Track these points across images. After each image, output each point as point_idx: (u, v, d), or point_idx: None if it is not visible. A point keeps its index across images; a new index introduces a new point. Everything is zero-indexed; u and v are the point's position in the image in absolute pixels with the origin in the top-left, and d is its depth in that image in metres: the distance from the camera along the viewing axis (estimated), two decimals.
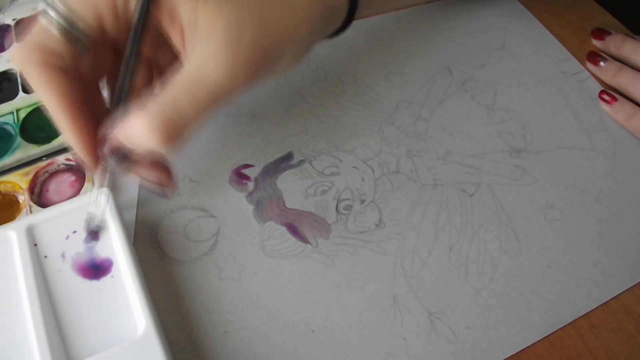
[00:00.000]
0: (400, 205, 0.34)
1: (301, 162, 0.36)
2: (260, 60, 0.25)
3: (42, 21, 0.24)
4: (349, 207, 0.34)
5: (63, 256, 0.29)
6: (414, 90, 0.40)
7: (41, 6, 0.24)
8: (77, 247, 0.30)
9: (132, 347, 0.26)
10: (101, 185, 0.28)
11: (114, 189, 0.34)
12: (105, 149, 0.26)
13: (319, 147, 0.37)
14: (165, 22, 0.26)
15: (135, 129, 0.23)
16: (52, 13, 0.24)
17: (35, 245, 0.30)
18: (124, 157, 0.26)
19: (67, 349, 0.26)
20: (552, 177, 0.35)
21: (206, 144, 0.37)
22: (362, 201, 0.34)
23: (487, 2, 0.46)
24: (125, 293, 0.28)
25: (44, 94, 0.25)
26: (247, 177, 0.35)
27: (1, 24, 0.44)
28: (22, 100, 0.38)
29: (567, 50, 0.42)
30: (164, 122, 0.23)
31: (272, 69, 0.27)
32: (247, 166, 0.35)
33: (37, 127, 0.37)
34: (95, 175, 0.28)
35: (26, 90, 0.39)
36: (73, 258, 0.29)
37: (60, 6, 0.24)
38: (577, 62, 0.41)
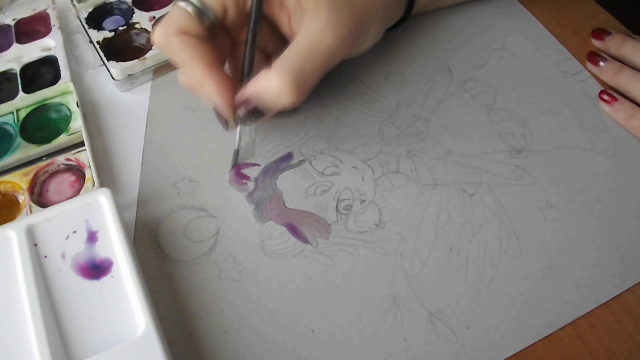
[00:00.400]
0: (400, 205, 0.34)
1: (301, 162, 0.36)
2: (355, 35, 0.32)
3: (179, 5, 0.30)
4: (349, 207, 0.34)
5: (63, 256, 0.29)
6: (414, 90, 0.40)
7: None
8: (77, 247, 0.30)
9: (132, 347, 0.26)
10: (240, 136, 0.34)
11: (114, 189, 0.34)
12: (242, 107, 0.31)
13: (319, 147, 0.37)
14: (276, 11, 0.33)
15: (272, 88, 0.29)
16: (192, 0, 0.30)
17: (35, 245, 0.30)
18: (254, 110, 0.31)
19: (67, 349, 0.26)
20: (552, 177, 0.35)
21: (206, 144, 0.37)
22: (362, 201, 0.34)
23: (487, 2, 0.46)
24: (125, 293, 0.28)
25: (187, 56, 0.30)
26: (247, 177, 0.35)
27: (1, 24, 0.44)
28: (22, 100, 0.38)
29: (567, 50, 0.42)
30: (295, 81, 0.29)
31: (361, 44, 0.34)
32: (252, 165, 0.36)
33: (37, 127, 0.37)
34: (230, 127, 0.33)
35: (26, 90, 0.39)
36: (73, 258, 0.29)
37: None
38: (577, 62, 0.41)
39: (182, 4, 0.31)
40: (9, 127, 0.37)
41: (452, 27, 0.44)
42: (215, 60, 0.31)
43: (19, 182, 0.34)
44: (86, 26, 0.42)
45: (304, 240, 0.33)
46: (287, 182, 0.35)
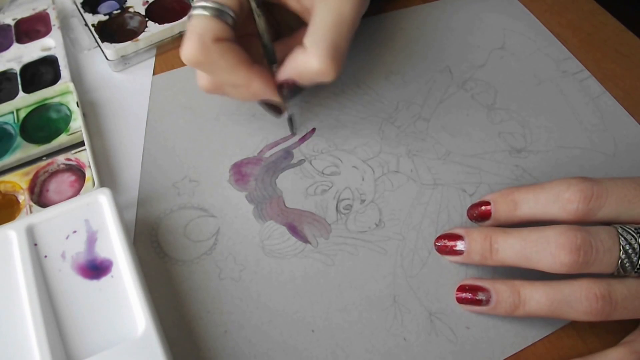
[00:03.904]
0: (400, 205, 0.34)
1: (301, 161, 0.36)
2: (364, 2, 0.33)
3: (197, 13, 0.30)
4: (349, 207, 0.34)
5: (63, 256, 0.29)
6: (414, 90, 0.40)
7: (194, 4, 0.31)
8: (77, 247, 0.30)
9: (132, 346, 0.26)
10: (285, 111, 0.35)
11: (114, 188, 0.34)
12: (285, 88, 0.32)
13: (319, 146, 0.37)
14: None
15: (313, 66, 0.30)
16: (207, 4, 0.30)
17: (35, 245, 0.30)
18: (295, 88, 0.32)
19: (67, 349, 0.26)
20: (552, 177, 0.35)
21: (206, 144, 0.37)
22: (362, 201, 0.34)
23: (487, 2, 0.45)
24: (125, 293, 0.28)
25: (230, 62, 0.30)
26: (247, 176, 0.35)
27: (1, 23, 0.44)
28: (22, 100, 0.38)
29: (567, 49, 0.42)
30: (332, 56, 0.30)
31: (366, 6, 0.35)
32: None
33: (37, 127, 0.37)
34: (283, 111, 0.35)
35: (26, 90, 0.39)
36: (73, 258, 0.29)
37: (209, 2, 0.30)
38: (578, 62, 0.41)
39: (199, 11, 0.30)
40: (9, 127, 0.37)
41: (452, 27, 0.44)
42: (250, 58, 0.31)
43: (19, 182, 0.34)
44: (82, 10, 0.44)
45: (304, 239, 0.33)
46: (287, 182, 0.35)
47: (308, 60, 0.30)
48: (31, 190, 0.34)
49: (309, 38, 0.31)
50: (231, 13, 0.31)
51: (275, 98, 0.33)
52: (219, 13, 0.30)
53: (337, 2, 0.31)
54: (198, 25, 0.30)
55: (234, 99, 0.34)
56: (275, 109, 0.35)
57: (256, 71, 0.31)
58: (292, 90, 0.33)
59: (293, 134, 0.37)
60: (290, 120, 0.37)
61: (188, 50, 0.30)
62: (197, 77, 0.34)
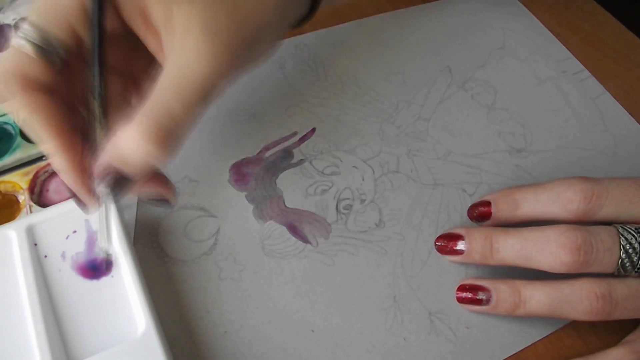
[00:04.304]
0: (400, 205, 0.34)
1: (301, 161, 0.36)
2: (240, 50, 0.24)
3: (15, 43, 0.23)
4: (349, 207, 0.34)
5: (63, 256, 0.29)
6: (414, 90, 0.40)
7: (15, 30, 0.23)
8: (77, 247, 0.30)
9: (132, 346, 0.26)
10: (102, 217, 0.27)
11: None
12: (97, 176, 0.23)
13: (319, 146, 0.37)
14: (138, 26, 0.25)
15: (127, 143, 0.22)
16: (24, 34, 0.23)
17: (35, 245, 0.30)
18: (119, 180, 0.23)
19: (67, 349, 0.26)
20: (552, 177, 0.35)
21: (206, 144, 0.37)
22: (362, 201, 0.34)
23: (487, 2, 0.46)
24: (125, 293, 0.28)
25: (32, 119, 0.24)
26: (247, 176, 0.35)
27: (1, 24, 0.44)
28: None
29: (567, 50, 0.42)
30: (156, 129, 0.22)
31: (252, 58, 0.27)
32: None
33: None
34: (92, 210, 0.26)
35: None
36: (73, 258, 0.29)
37: (29, 27, 0.23)
38: (577, 62, 0.41)
39: (21, 41, 0.23)
40: (9, 127, 0.37)
41: (452, 27, 0.44)
42: (64, 124, 0.24)
43: (19, 181, 0.34)
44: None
45: (304, 239, 0.33)
46: (287, 182, 0.35)
47: (128, 138, 0.22)
48: (31, 190, 0.34)
49: (140, 108, 0.23)
50: (60, 50, 0.24)
51: (76, 187, 0.25)
52: (42, 51, 0.23)
53: (192, 56, 0.23)
54: (11, 61, 0.23)
55: None
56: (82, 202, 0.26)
57: (66, 145, 0.24)
58: (112, 183, 0.23)
59: (105, 265, 0.29)
60: (106, 262, 0.29)
61: None
62: None
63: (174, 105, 0.22)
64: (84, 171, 0.24)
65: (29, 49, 0.23)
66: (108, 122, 0.24)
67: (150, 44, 0.26)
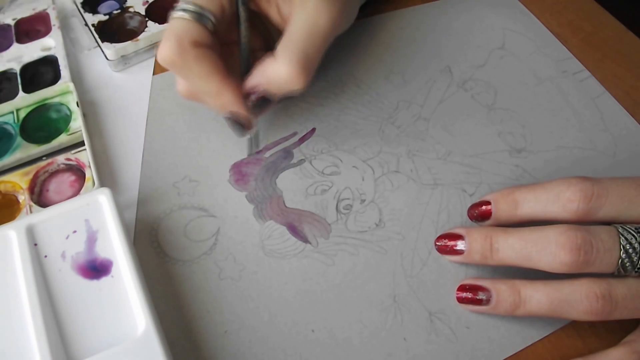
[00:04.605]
0: (400, 205, 0.34)
1: (301, 161, 0.36)
2: (345, 11, 0.33)
3: (176, 15, 0.30)
4: (349, 207, 0.34)
5: (63, 256, 0.29)
6: (414, 90, 0.40)
7: (175, 7, 0.30)
8: (77, 247, 0.30)
9: (132, 346, 0.26)
10: (253, 126, 0.34)
11: (114, 189, 0.34)
12: (253, 97, 0.31)
13: (319, 146, 0.37)
14: (263, 3, 0.33)
15: (281, 74, 0.30)
16: (183, 8, 0.30)
17: (35, 245, 0.30)
18: (263, 101, 0.32)
19: (67, 349, 0.26)
20: (552, 177, 0.35)
21: (206, 144, 0.37)
22: (362, 201, 0.34)
23: (487, 2, 0.46)
24: (125, 293, 0.28)
25: (205, 69, 0.30)
26: (247, 176, 0.35)
27: (1, 23, 0.44)
28: (22, 100, 0.38)
29: (567, 50, 0.42)
30: (302, 65, 0.30)
31: (349, 20, 0.36)
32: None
33: (37, 127, 0.37)
34: (251, 124, 0.34)
35: (26, 90, 0.39)
36: (73, 258, 0.29)
37: (188, 3, 0.30)
38: (578, 62, 0.41)
39: (180, 13, 0.30)
40: (9, 127, 0.37)
41: (452, 27, 0.44)
42: (226, 68, 0.31)
43: (19, 181, 0.34)
44: (82, 9, 0.44)
45: (304, 239, 0.33)
46: (287, 182, 0.35)
47: (277, 67, 0.30)
48: (31, 190, 0.34)
49: (280, 45, 0.30)
50: (212, 18, 0.30)
51: (242, 111, 0.32)
52: (199, 17, 0.30)
53: (313, 12, 0.31)
54: (177, 27, 0.30)
55: (208, 107, 0.33)
56: (241, 126, 0.33)
57: (229, 82, 0.31)
58: (260, 101, 0.31)
59: (250, 154, 0.36)
60: (251, 140, 0.36)
61: (164, 51, 0.30)
62: (177, 82, 0.33)
63: (309, 49, 0.31)
64: (240, 96, 0.31)
65: (188, 17, 0.30)
66: (248, 63, 0.33)
67: (272, 15, 0.34)
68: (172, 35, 0.29)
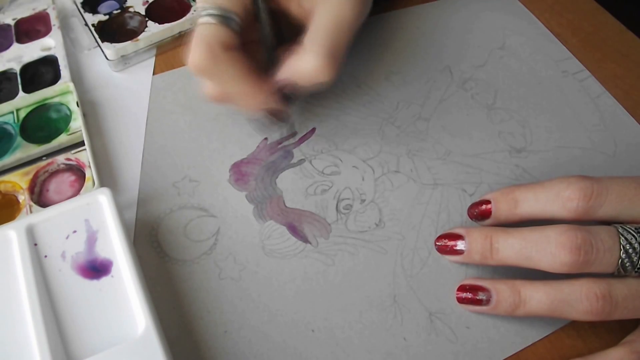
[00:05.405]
0: (400, 205, 0.34)
1: (301, 161, 0.36)
2: (366, 3, 0.34)
3: (202, 20, 0.30)
4: (349, 207, 0.34)
5: (63, 256, 0.29)
6: (414, 90, 0.40)
7: (200, 12, 0.30)
8: (77, 247, 0.30)
9: (132, 346, 0.26)
10: (289, 117, 0.36)
11: (114, 188, 0.34)
12: (284, 88, 0.32)
13: (319, 146, 0.37)
14: (284, 1, 0.34)
15: (310, 67, 0.30)
16: (209, 12, 0.30)
17: (35, 245, 0.30)
18: (291, 93, 0.33)
19: (67, 349, 0.26)
20: (552, 177, 0.35)
21: (206, 144, 0.37)
22: (362, 200, 0.34)
23: (487, 2, 0.46)
24: (125, 293, 0.28)
25: (237, 71, 0.30)
26: (247, 176, 0.35)
27: (1, 23, 0.44)
28: (22, 100, 0.38)
29: (567, 50, 0.42)
30: (329, 54, 0.30)
31: (367, 10, 0.35)
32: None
33: (37, 126, 0.37)
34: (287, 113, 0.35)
35: (26, 90, 0.39)
36: (73, 258, 0.29)
37: (212, 7, 0.30)
38: (578, 62, 0.41)
39: (206, 18, 0.30)
40: (9, 127, 0.37)
41: (452, 27, 0.44)
42: (255, 69, 0.31)
43: (19, 181, 0.34)
44: (82, 9, 0.44)
45: (304, 239, 0.33)
46: (287, 182, 0.35)
47: (306, 60, 0.30)
48: (31, 190, 0.34)
49: (308, 38, 0.31)
50: (237, 19, 0.31)
51: (278, 106, 0.33)
52: (225, 20, 0.30)
53: (337, 4, 0.31)
54: (205, 33, 0.30)
55: (239, 108, 0.34)
56: (276, 117, 0.34)
57: (262, 81, 0.31)
58: (291, 93, 0.33)
59: (293, 133, 0.37)
60: (292, 126, 0.37)
61: (196, 58, 0.29)
62: (203, 87, 0.33)
63: (336, 41, 0.31)
64: (273, 93, 0.32)
65: (215, 21, 0.30)
66: (272, 59, 0.33)
67: (293, 8, 0.34)
68: (201, 42, 0.29)
